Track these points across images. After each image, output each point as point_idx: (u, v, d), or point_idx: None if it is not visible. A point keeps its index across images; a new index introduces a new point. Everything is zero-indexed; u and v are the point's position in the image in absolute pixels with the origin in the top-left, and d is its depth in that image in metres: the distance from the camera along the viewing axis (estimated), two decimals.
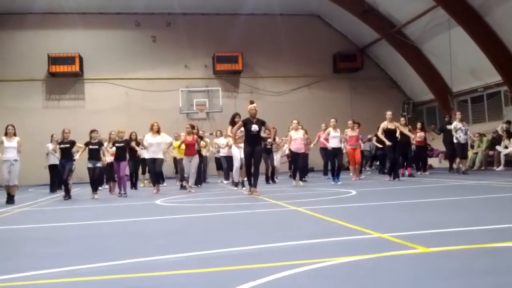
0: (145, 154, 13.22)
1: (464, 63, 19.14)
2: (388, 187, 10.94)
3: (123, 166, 11.88)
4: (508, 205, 6.76)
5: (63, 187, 12.38)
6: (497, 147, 16.49)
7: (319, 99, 23.11)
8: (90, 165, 11.52)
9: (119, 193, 11.70)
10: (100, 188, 14.17)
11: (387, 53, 22.83)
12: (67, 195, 11.58)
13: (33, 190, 16.78)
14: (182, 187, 13.10)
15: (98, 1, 21.74)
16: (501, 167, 15.85)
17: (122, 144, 11.86)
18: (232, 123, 11.31)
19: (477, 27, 17.37)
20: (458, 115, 14.69)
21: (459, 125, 14.22)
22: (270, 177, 14.34)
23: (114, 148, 12.60)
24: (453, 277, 3.00)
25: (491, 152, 16.68)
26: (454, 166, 14.89)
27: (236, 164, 12.02)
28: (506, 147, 16.29)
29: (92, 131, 11.71)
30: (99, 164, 11.64)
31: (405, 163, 14.30)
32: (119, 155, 11.79)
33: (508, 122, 17.09)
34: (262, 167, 12.20)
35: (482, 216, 5.77)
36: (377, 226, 4.96)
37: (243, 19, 22.33)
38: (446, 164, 16.92)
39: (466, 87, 20.20)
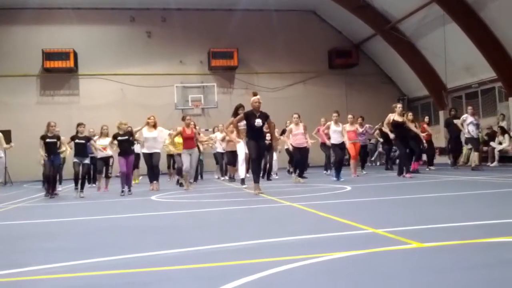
0: (140, 149, 13.05)
1: (459, 59, 19.20)
2: (383, 183, 10.98)
3: (130, 161, 11.04)
4: (501, 201, 6.80)
5: (46, 184, 11.38)
6: (492, 143, 16.56)
7: (314, 95, 23.14)
8: (76, 160, 10.82)
9: (122, 191, 10.77)
10: (94, 185, 14.04)
11: (382, 49, 22.87)
12: (52, 193, 10.77)
13: (27, 186, 16.73)
14: (179, 183, 12.54)
15: None
16: (495, 163, 15.92)
17: (125, 137, 10.96)
18: (235, 115, 10.54)
19: (471, 23, 17.41)
20: (470, 109, 14.41)
21: (470, 118, 13.97)
22: (267, 175, 13.98)
23: (102, 143, 12.32)
24: (447, 272, 3.03)
25: (485, 148, 16.75)
26: (470, 163, 14.43)
27: (241, 159, 11.20)
28: (500, 143, 16.38)
29: (78, 125, 11.05)
30: (86, 161, 11.03)
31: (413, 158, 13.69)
32: (124, 149, 10.93)
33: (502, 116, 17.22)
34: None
35: (476, 211, 5.81)
36: (372, 222, 4.99)
37: (239, 15, 22.30)
38: (440, 159, 16.94)
39: (460, 83, 20.27)
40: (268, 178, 13.85)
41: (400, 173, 12.23)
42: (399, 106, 12.48)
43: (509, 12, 16.14)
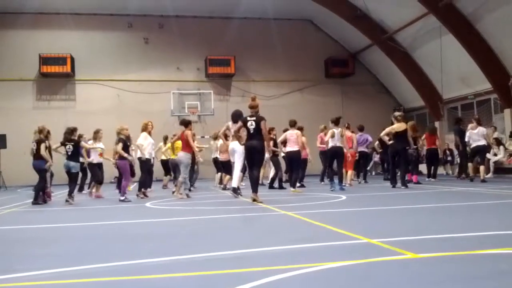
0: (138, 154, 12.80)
1: (455, 70, 19.30)
2: (378, 193, 10.97)
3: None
4: (496, 212, 6.80)
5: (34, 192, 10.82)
6: (487, 155, 16.57)
7: (311, 103, 23.19)
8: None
9: (125, 198, 10.47)
10: (84, 191, 13.89)
11: (378, 59, 22.98)
12: (37, 200, 10.37)
13: (21, 191, 16.63)
14: (173, 192, 12.02)
15: (91, 2, 21.69)
16: (490, 174, 15.95)
17: (128, 143, 10.93)
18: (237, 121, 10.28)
19: (468, 34, 17.52)
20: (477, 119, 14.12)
21: (485, 130, 13.69)
22: (279, 182, 13.35)
23: (99, 146, 12.21)
24: (442, 283, 3.01)
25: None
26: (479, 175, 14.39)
27: (239, 167, 10.85)
28: (495, 155, 16.43)
29: (75, 130, 10.81)
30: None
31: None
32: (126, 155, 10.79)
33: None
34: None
35: (470, 222, 5.81)
36: (366, 232, 4.97)
37: (236, 23, 22.38)
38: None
39: (456, 94, 20.36)
40: (280, 186, 13.31)
41: (404, 184, 11.82)
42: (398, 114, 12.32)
43: (505, 24, 16.26)
